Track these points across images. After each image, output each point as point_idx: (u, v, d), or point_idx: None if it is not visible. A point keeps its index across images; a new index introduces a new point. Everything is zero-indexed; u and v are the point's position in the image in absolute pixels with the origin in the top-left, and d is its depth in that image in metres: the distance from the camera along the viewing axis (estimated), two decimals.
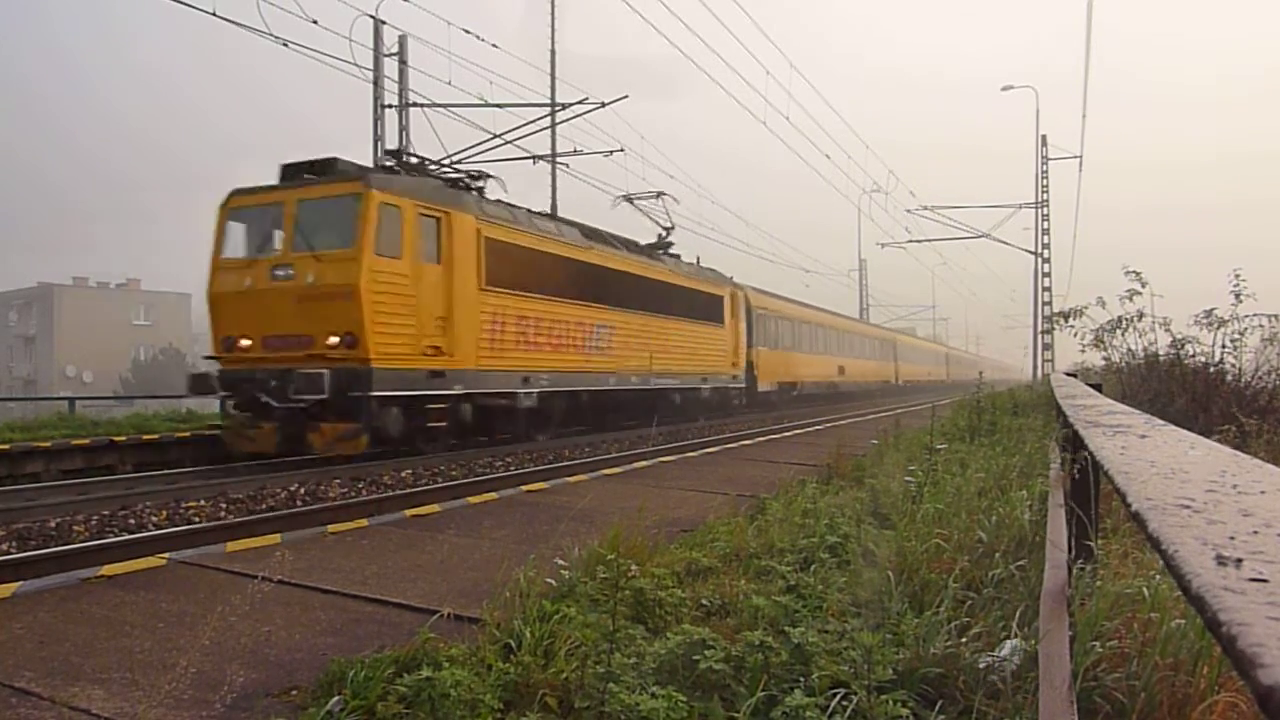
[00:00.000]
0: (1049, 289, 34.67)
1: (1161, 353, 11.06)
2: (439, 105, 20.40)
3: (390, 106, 20.58)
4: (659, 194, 22.57)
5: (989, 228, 36.47)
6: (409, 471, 11.86)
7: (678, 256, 23.66)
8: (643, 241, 21.99)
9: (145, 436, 13.22)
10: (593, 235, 18.91)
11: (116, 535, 7.64)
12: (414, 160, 15.67)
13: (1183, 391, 10.30)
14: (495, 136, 20.74)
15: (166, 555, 5.47)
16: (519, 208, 16.62)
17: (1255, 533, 0.75)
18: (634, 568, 3.87)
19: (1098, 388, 5.74)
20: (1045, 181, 34.91)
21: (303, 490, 10.18)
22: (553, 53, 23.10)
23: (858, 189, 51.39)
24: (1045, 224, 34.91)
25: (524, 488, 8.70)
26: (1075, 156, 34.58)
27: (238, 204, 13.39)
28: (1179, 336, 10.80)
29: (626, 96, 20.95)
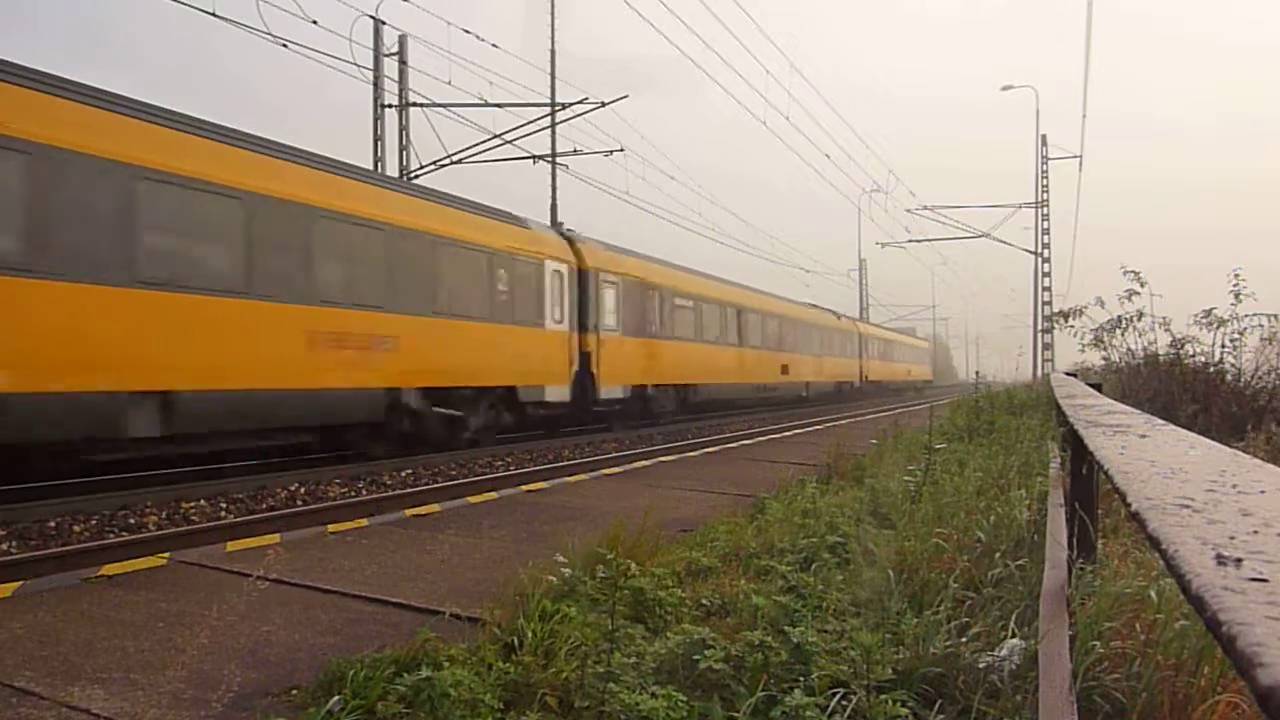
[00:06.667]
0: (1049, 289, 34.70)
1: (1161, 352, 11.07)
2: (439, 105, 20.41)
3: (390, 106, 20.57)
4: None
5: (989, 228, 36.51)
6: (409, 471, 11.86)
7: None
8: None
9: None
10: None
11: (116, 535, 7.64)
12: None
13: (1183, 392, 10.30)
14: (495, 136, 20.77)
15: (167, 555, 5.47)
16: None
17: (1255, 532, 0.75)
18: (634, 567, 3.86)
19: (1097, 387, 5.75)
20: (1045, 181, 34.94)
21: (303, 490, 10.18)
22: (553, 53, 23.06)
23: (858, 189, 51.30)
24: (1045, 224, 34.94)
25: (524, 488, 8.70)
26: (1075, 156, 34.65)
27: None
28: (1179, 336, 10.81)
29: (626, 96, 20.92)
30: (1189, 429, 2.10)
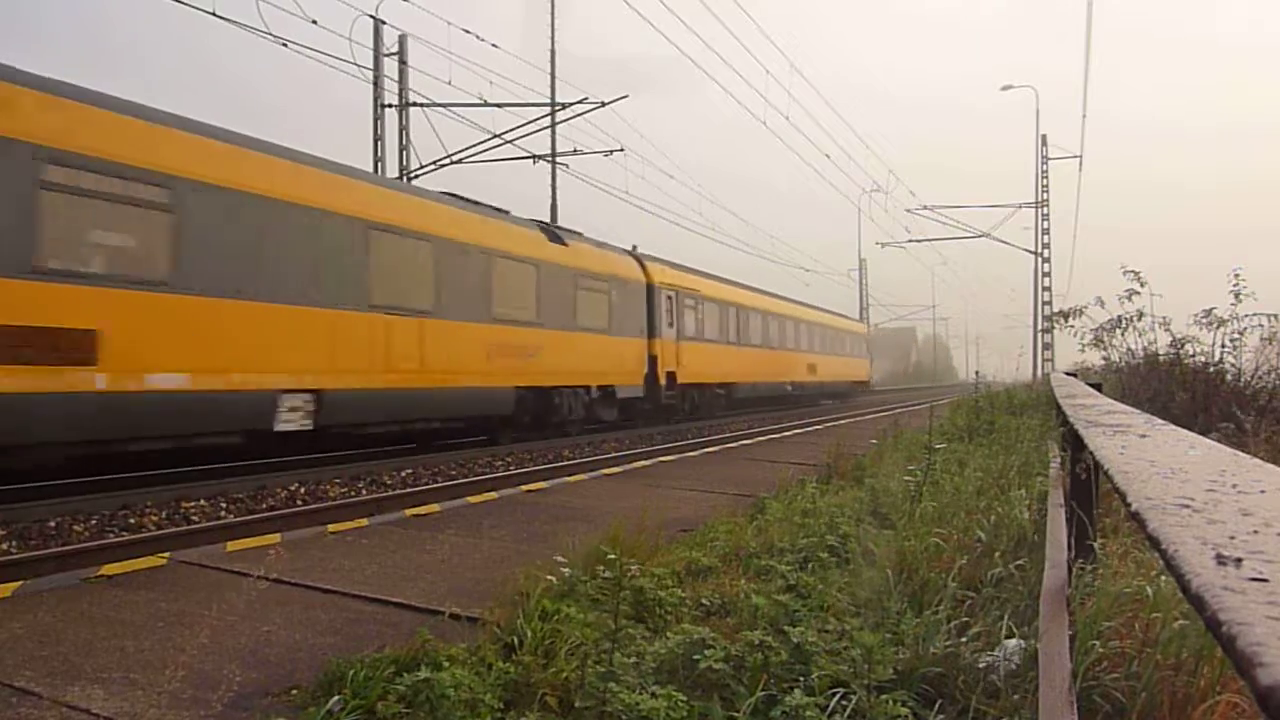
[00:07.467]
0: (1049, 289, 34.68)
1: (1161, 352, 11.07)
2: (439, 105, 20.41)
3: (390, 106, 20.57)
4: None
5: (989, 228, 36.47)
6: (409, 471, 11.86)
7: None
8: None
9: None
10: None
11: (116, 535, 7.63)
12: None
13: (1182, 390, 10.31)
14: (495, 136, 20.78)
15: (167, 555, 5.47)
16: None
17: (1255, 532, 0.75)
18: (634, 567, 3.86)
19: (1097, 387, 5.74)
20: (1045, 181, 34.93)
21: (303, 490, 10.18)
22: (553, 53, 23.06)
23: (858, 189, 51.18)
24: (1045, 224, 34.92)
25: (524, 487, 8.69)
26: (1075, 156, 34.64)
27: None
28: (1179, 336, 10.81)
29: (626, 96, 20.95)
30: (1181, 422, 2.11)
